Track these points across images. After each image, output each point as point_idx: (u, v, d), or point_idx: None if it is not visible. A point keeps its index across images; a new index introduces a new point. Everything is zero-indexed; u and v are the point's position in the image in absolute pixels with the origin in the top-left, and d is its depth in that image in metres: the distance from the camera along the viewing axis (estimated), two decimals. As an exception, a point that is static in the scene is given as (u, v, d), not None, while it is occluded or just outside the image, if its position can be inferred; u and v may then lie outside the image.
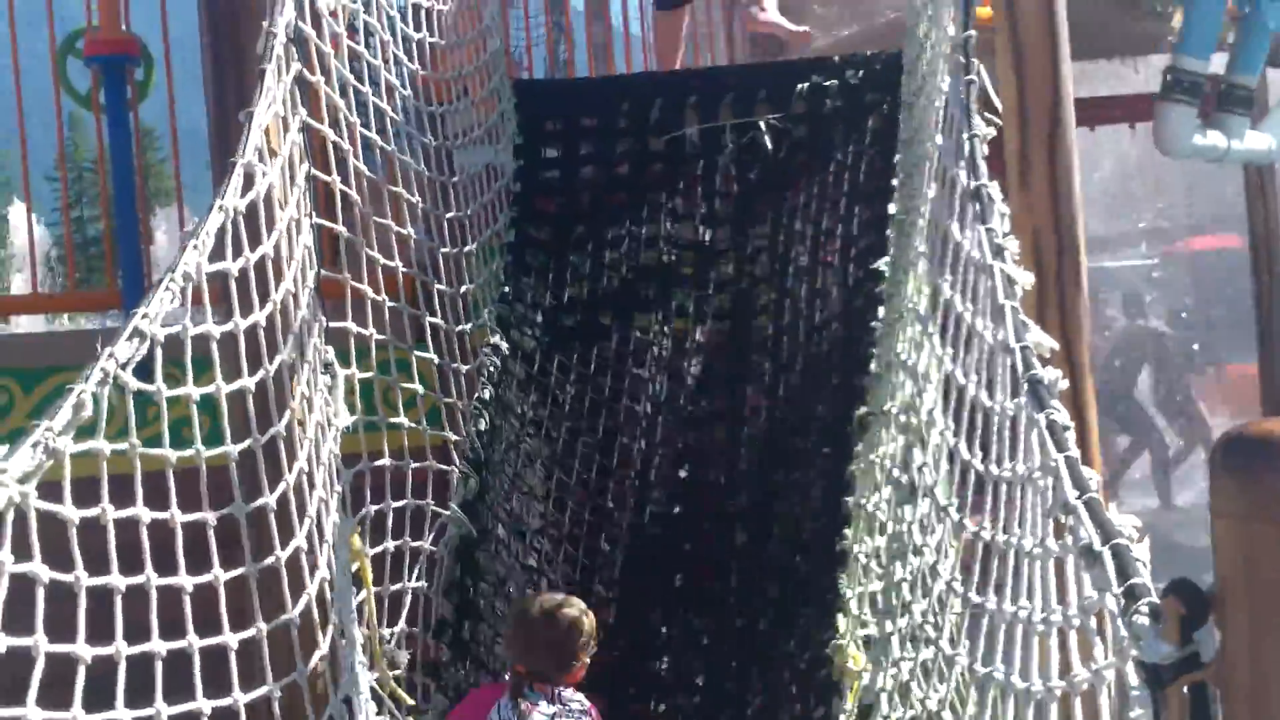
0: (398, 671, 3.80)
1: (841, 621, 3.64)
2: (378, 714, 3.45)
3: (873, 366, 4.25)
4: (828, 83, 5.50)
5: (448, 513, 4.20)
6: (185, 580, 2.70)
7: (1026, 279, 2.85)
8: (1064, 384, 2.53)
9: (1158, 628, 1.75)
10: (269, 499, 3.06)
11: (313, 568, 3.22)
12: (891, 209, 4.81)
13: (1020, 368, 2.58)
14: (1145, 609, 1.79)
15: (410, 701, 3.75)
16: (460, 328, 4.60)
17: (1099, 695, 2.05)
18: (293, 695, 3.03)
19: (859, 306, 4.67)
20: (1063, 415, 2.41)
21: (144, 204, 5.74)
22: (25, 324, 7.17)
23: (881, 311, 4.42)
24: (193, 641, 2.69)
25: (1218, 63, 7.20)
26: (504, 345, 4.78)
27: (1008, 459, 2.66)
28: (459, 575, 4.09)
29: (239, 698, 2.81)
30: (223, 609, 2.82)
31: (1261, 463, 1.69)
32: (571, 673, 3.57)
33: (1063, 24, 4.13)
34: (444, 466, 4.30)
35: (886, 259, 4.64)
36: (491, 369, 4.65)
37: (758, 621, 4.35)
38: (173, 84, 5.85)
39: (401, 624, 3.91)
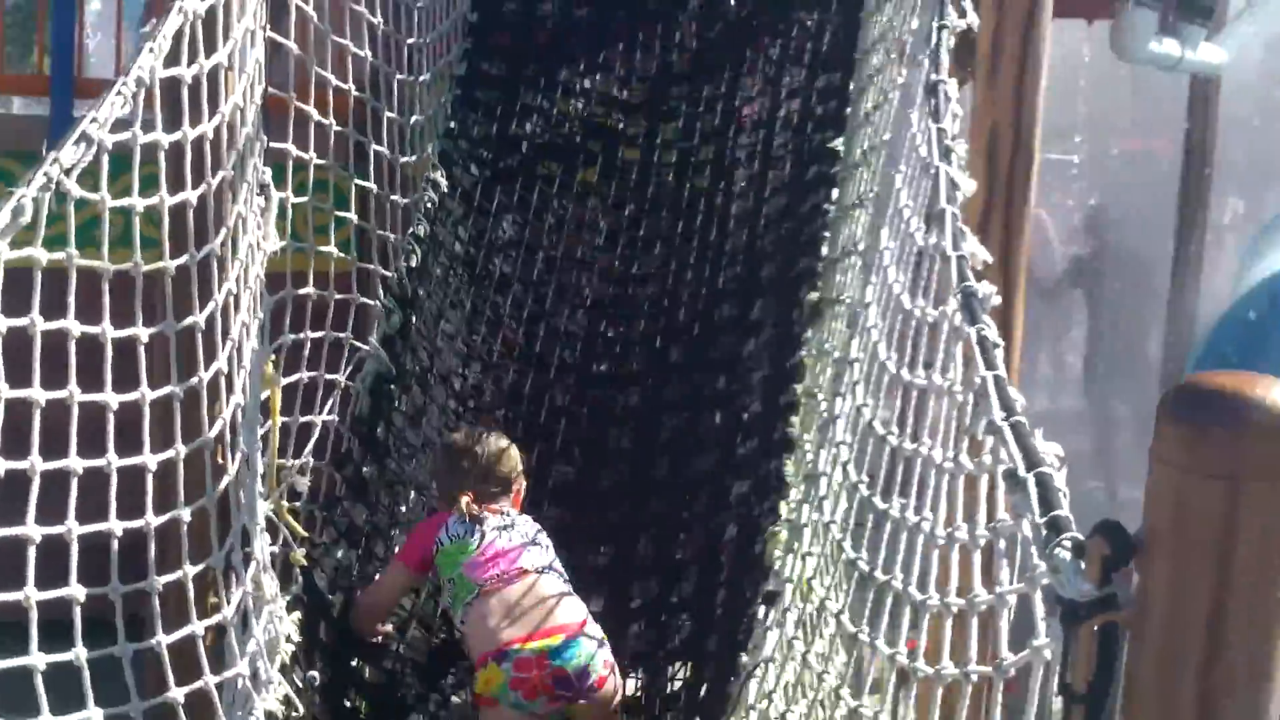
0: (295, 504, 3.77)
1: (783, 507, 3.65)
2: (272, 544, 3.43)
3: (824, 250, 4.23)
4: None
5: (366, 347, 4.12)
6: (110, 397, 2.66)
7: (969, 185, 2.82)
8: (997, 299, 2.52)
9: (1079, 564, 1.78)
10: (198, 318, 2.98)
11: (229, 392, 3.15)
12: (851, 85, 4.76)
13: (954, 277, 2.55)
14: (1068, 543, 1.81)
15: (303, 533, 3.73)
16: (404, 159, 4.48)
17: (999, 618, 2.09)
18: (200, 521, 3.01)
19: (810, 180, 4.63)
20: (993, 332, 2.39)
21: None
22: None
23: (835, 194, 4.40)
24: (111, 460, 2.65)
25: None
26: (443, 181, 4.66)
27: (923, 368, 2.66)
28: (369, 411, 4.03)
29: (151, 520, 2.78)
30: (145, 428, 2.78)
31: (1209, 416, 1.70)
32: (512, 495, 3.75)
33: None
34: (368, 300, 4.21)
35: (841, 138, 4.60)
36: (429, 204, 4.54)
37: (694, 493, 4.32)
38: None
39: (307, 455, 3.86)
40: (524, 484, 3.82)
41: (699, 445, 4.40)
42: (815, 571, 3.15)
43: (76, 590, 2.55)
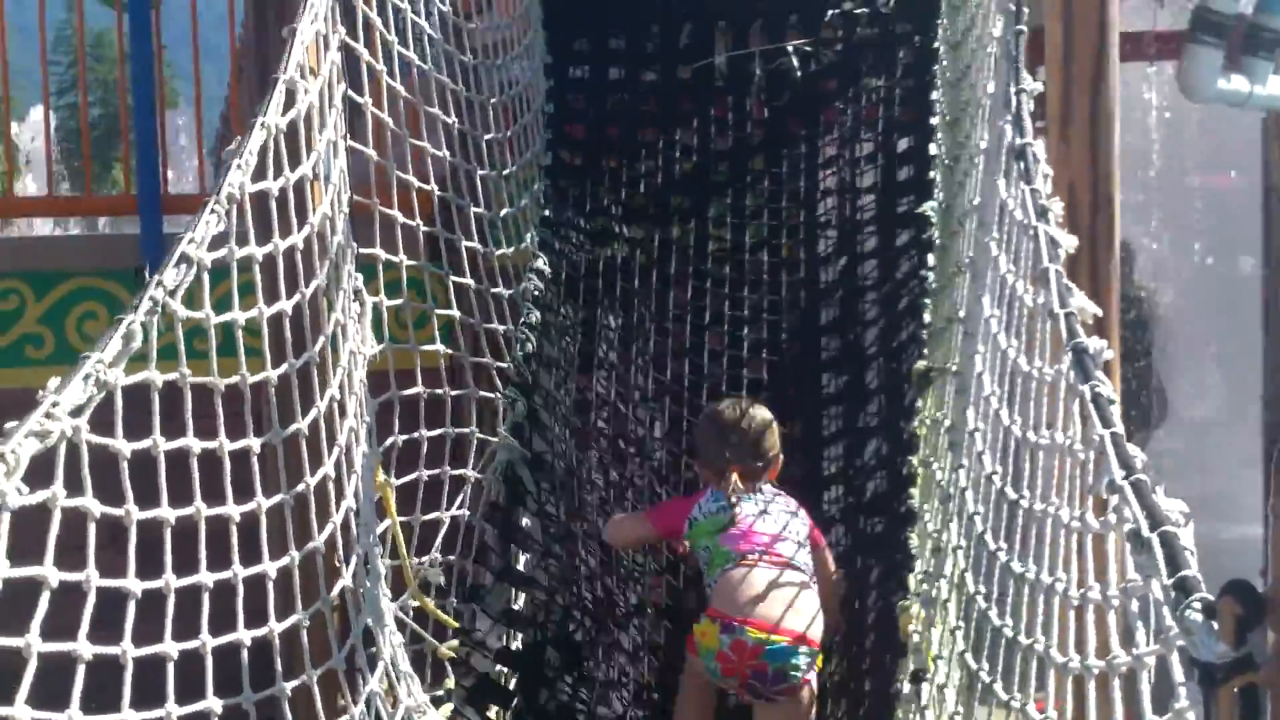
0: (429, 600, 3.82)
1: (911, 581, 3.63)
2: (403, 643, 3.47)
3: (926, 318, 4.22)
4: (858, 10, 5.45)
5: (494, 439, 4.17)
6: (233, 510, 2.71)
7: (1070, 242, 2.83)
8: (1109, 354, 2.52)
9: (1211, 626, 1.76)
10: (301, 425, 3.04)
11: (339, 497, 3.20)
12: (933, 149, 4.78)
13: (1064, 335, 2.56)
14: (1199, 605, 1.80)
15: (454, 624, 3.79)
16: (500, 251, 4.53)
17: (1139, 681, 2.07)
18: (317, 624, 3.04)
19: (901, 246, 4.64)
20: (1107, 387, 2.39)
21: (163, 108, 5.67)
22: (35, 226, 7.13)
23: (931, 259, 4.39)
24: (237, 572, 2.70)
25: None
26: (547, 269, 4.72)
27: (1044, 427, 2.66)
28: (507, 499, 4.09)
29: (274, 627, 2.83)
30: (264, 537, 2.84)
31: (1325, 465, 1.70)
32: (771, 468, 3.92)
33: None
34: (486, 393, 4.24)
35: (933, 203, 4.61)
36: (536, 292, 4.59)
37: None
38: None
39: (435, 552, 3.91)
40: (781, 460, 3.96)
41: (823, 524, 4.40)
42: (966, 643, 3.09)
43: (214, 703, 2.59)
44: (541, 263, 4.72)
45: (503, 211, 4.62)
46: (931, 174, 4.74)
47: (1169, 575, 1.90)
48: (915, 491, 3.88)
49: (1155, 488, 2.07)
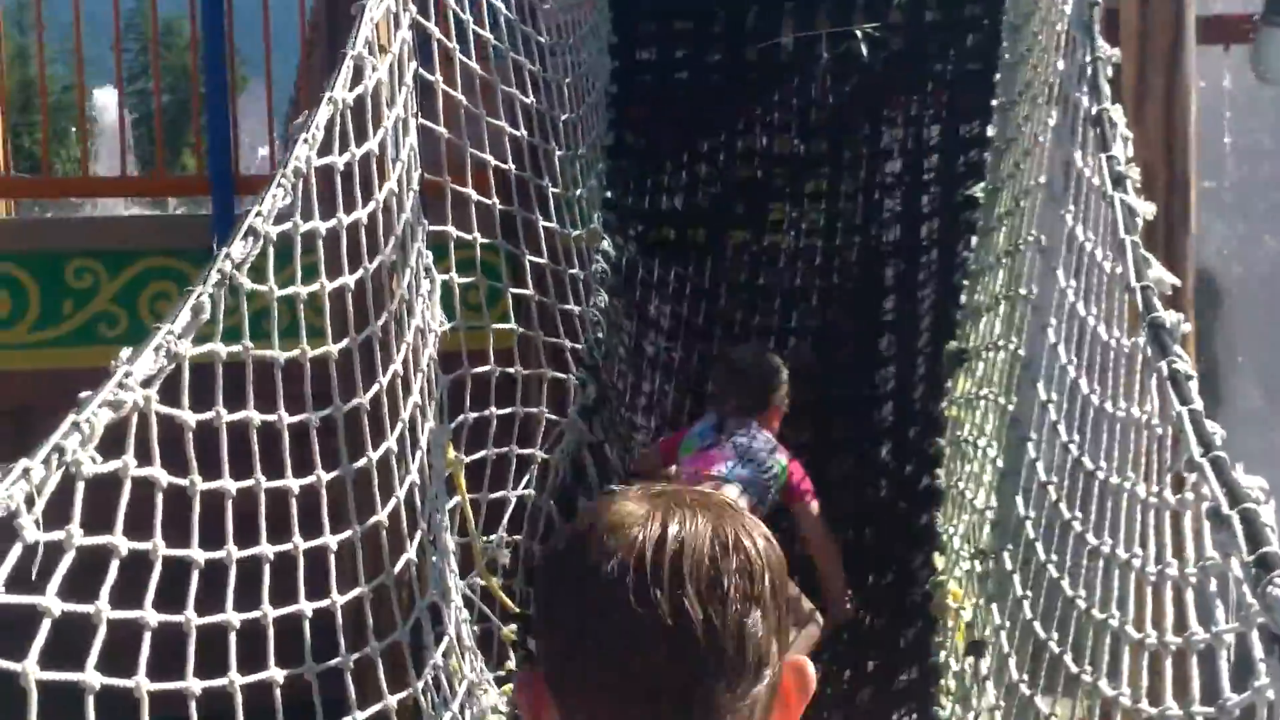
0: (496, 579, 3.82)
1: (939, 559, 3.62)
2: (469, 619, 3.48)
3: (962, 299, 4.19)
4: (926, -7, 5.42)
5: (564, 419, 4.17)
6: (292, 483, 2.73)
7: (1148, 209, 2.77)
8: (1187, 327, 2.46)
9: (1294, 602, 1.72)
10: (363, 400, 3.03)
11: (403, 473, 3.20)
12: (990, 131, 4.73)
13: (1141, 308, 2.51)
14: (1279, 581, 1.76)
15: (515, 608, 3.80)
16: (574, 232, 4.49)
17: (1218, 658, 2.03)
18: (380, 597, 3.05)
19: (957, 230, 4.61)
20: (1185, 363, 2.33)
21: (234, 90, 5.71)
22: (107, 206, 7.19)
23: (974, 240, 4.35)
24: (297, 543, 2.71)
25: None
26: (612, 251, 4.72)
27: (1122, 400, 2.61)
28: (572, 480, 4.11)
29: (336, 599, 2.84)
30: (324, 512, 2.84)
31: None
32: (768, 412, 4.05)
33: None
34: (558, 374, 4.21)
35: (982, 184, 4.57)
36: (602, 274, 4.61)
37: (855, 554, 4.31)
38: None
39: (502, 530, 3.89)
40: (786, 406, 4.06)
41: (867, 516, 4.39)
42: (1034, 613, 3.04)
43: (275, 673, 2.60)
44: (607, 244, 4.72)
45: (576, 192, 4.59)
46: (986, 156, 4.69)
47: (1250, 552, 1.86)
48: (941, 472, 3.85)
49: (1234, 465, 2.02)
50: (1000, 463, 3.39)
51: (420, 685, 3.05)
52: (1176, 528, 2.27)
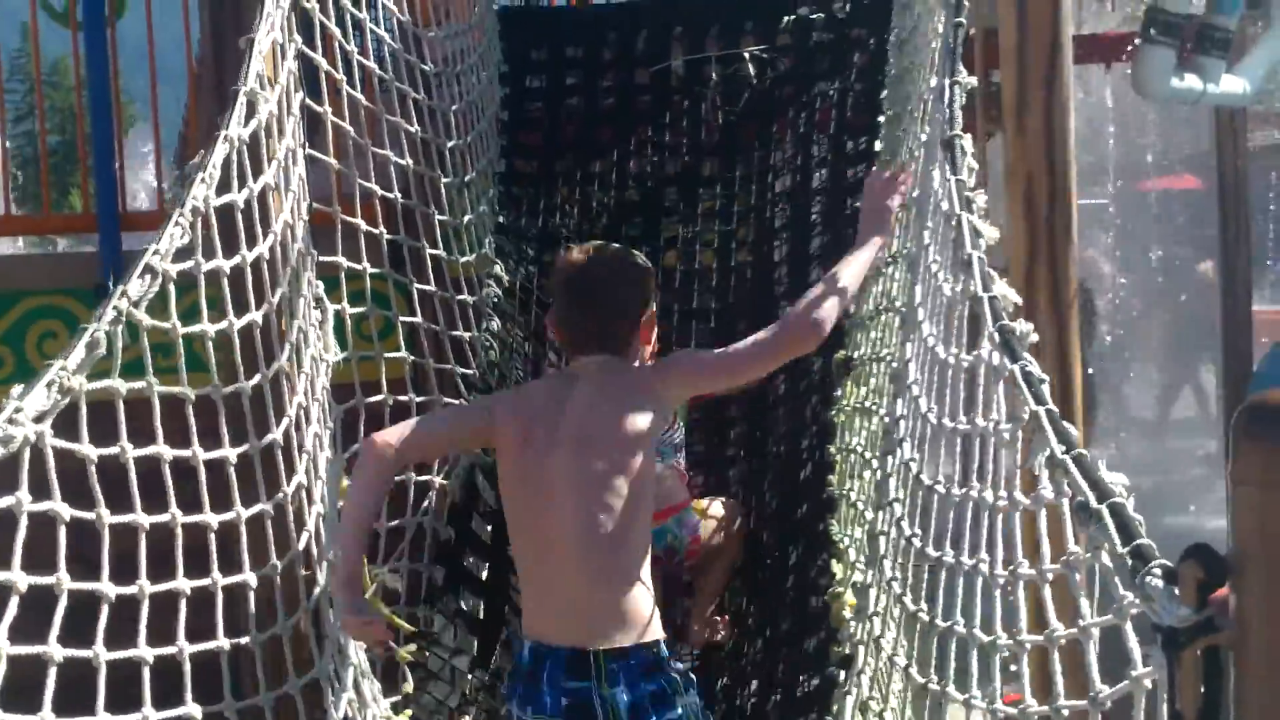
0: (392, 607, 3.80)
1: (837, 567, 3.67)
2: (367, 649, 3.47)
3: (851, 309, 4.27)
4: (814, 15, 5.50)
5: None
6: (210, 518, 2.71)
7: (991, 233, 2.84)
8: (1034, 337, 2.50)
9: (1173, 591, 1.78)
10: (275, 434, 3.04)
11: (310, 503, 3.21)
12: (877, 146, 4.81)
13: (988, 318, 2.56)
14: (1159, 571, 1.82)
15: (409, 628, 3.78)
16: (464, 258, 4.52)
17: (1085, 652, 2.08)
18: (298, 630, 3.05)
19: (843, 244, 4.68)
20: (1036, 366, 2.37)
21: (120, 127, 5.65)
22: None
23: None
24: (216, 579, 2.70)
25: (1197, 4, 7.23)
26: (504, 276, 4.75)
27: (962, 412, 2.67)
28: (465, 502, 4.11)
29: (255, 636, 2.85)
30: (245, 546, 2.84)
31: (1280, 431, 1.72)
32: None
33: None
34: (451, 400, 4.21)
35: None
36: (495, 299, 4.63)
37: (760, 564, 4.38)
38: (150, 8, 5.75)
39: (398, 557, 3.88)
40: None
41: (766, 520, 4.43)
42: (883, 629, 3.12)
43: (193, 709, 2.58)
44: (499, 269, 4.74)
45: (465, 219, 4.61)
46: (871, 170, 4.76)
47: (1123, 544, 1.91)
48: (834, 479, 3.90)
49: (1097, 462, 2.08)
50: (874, 473, 3.47)
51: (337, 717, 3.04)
52: (1030, 529, 2.31)
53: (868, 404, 3.89)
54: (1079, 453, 2.12)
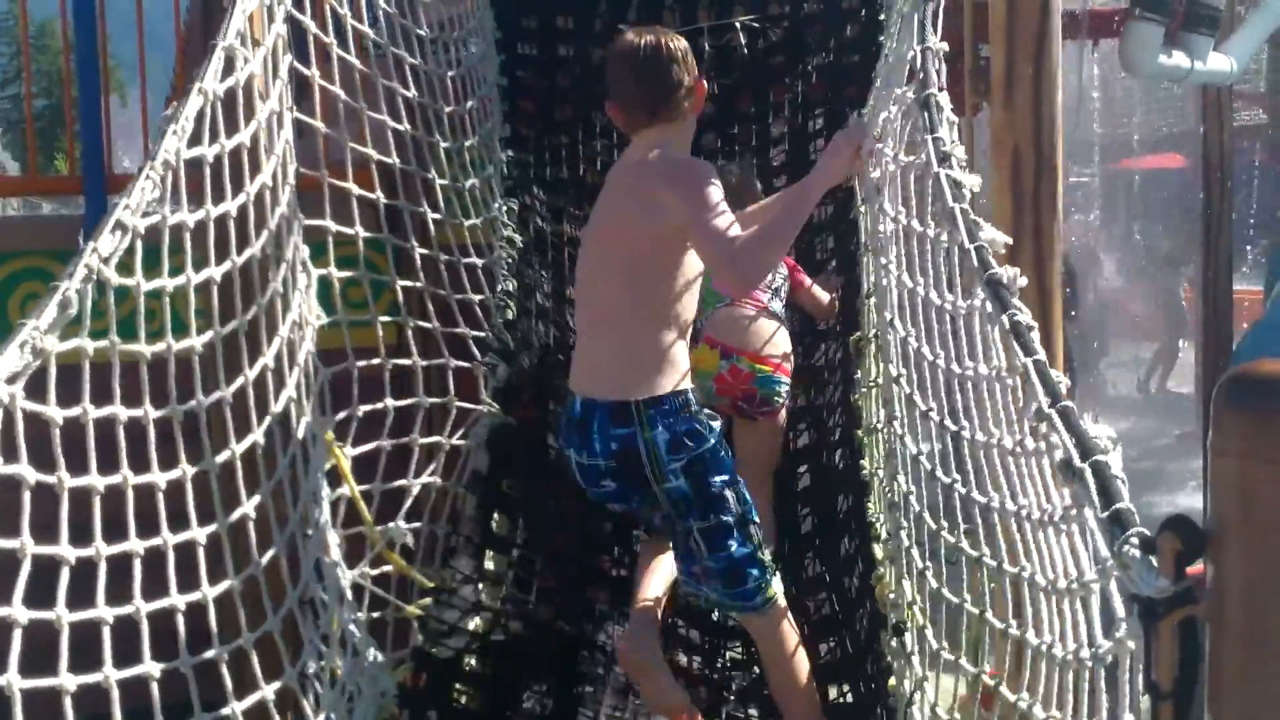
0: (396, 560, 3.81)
1: (878, 549, 3.64)
2: (356, 613, 3.47)
3: (862, 287, 4.26)
4: (805, -15, 5.48)
5: (478, 407, 4.18)
6: (159, 477, 2.67)
7: (973, 181, 2.84)
8: (1023, 281, 2.50)
9: (1150, 561, 1.78)
10: (225, 394, 2.98)
11: (271, 468, 3.15)
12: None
13: (977, 265, 2.56)
14: (1136, 540, 1.81)
15: (429, 583, 3.81)
16: (470, 221, 4.49)
17: (1089, 606, 2.08)
18: (252, 590, 3.00)
19: (845, 229, 4.67)
20: (1025, 315, 2.37)
21: (107, 88, 5.61)
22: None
23: (863, 235, 4.42)
24: (167, 539, 2.64)
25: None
26: (518, 238, 4.75)
27: (967, 359, 2.66)
28: (488, 466, 4.11)
29: (207, 592, 2.79)
30: (190, 506, 2.79)
31: (1264, 402, 1.71)
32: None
33: (1053, -65, 4.07)
34: (462, 363, 4.21)
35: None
36: (509, 260, 4.61)
37: (799, 554, 4.38)
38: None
39: (400, 519, 3.86)
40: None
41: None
42: (939, 580, 3.09)
43: (151, 667, 2.56)
44: (511, 231, 4.74)
45: (468, 183, 4.56)
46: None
47: (1103, 507, 1.91)
48: (865, 462, 3.90)
49: (1082, 414, 2.08)
50: (889, 446, 3.46)
51: (298, 674, 3.02)
52: (1041, 474, 2.31)
53: (875, 379, 3.91)
54: (1065, 405, 2.12)
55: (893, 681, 3.33)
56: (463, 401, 4.17)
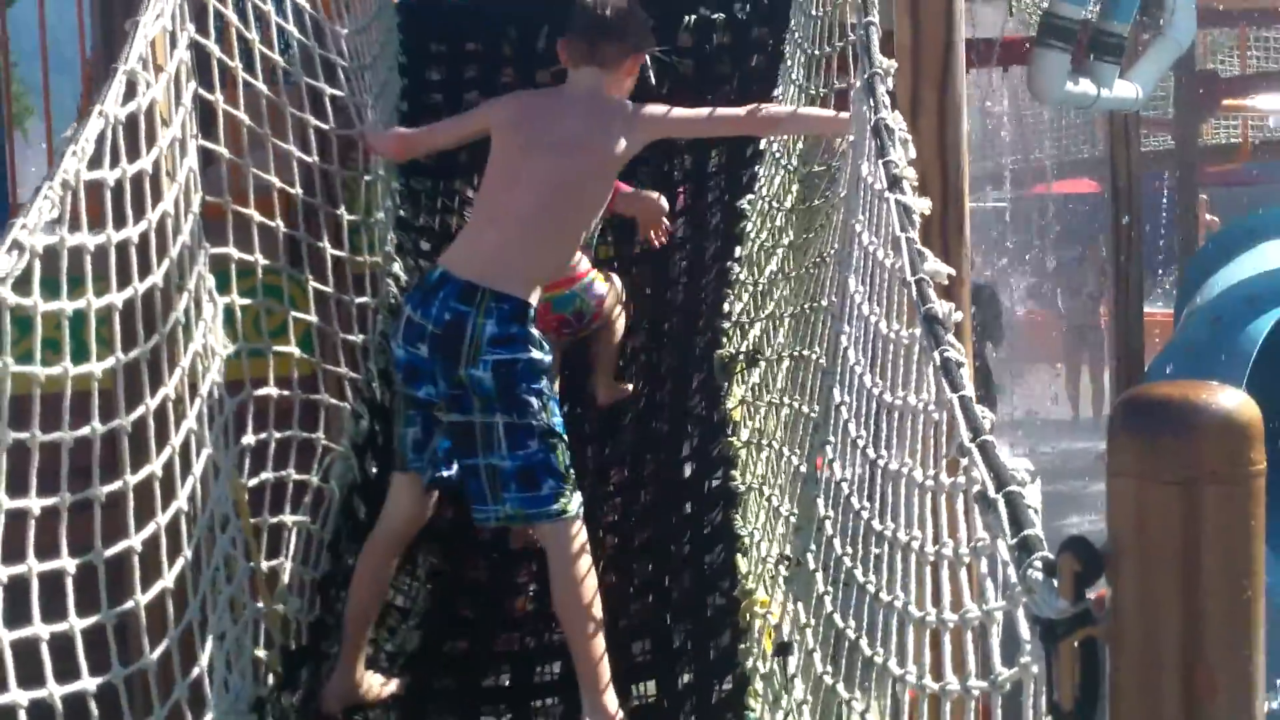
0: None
1: (742, 562, 3.64)
2: (261, 649, 3.41)
3: (725, 307, 4.28)
4: (714, 16, 5.49)
5: (338, 447, 4.05)
6: (33, 503, 2.58)
7: (922, 205, 2.85)
8: (958, 316, 2.53)
9: (1052, 583, 1.79)
10: (124, 422, 2.92)
11: (167, 498, 3.07)
12: (761, 144, 4.82)
13: (916, 300, 2.58)
14: (1039, 563, 1.82)
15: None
16: (366, 258, 4.40)
17: (989, 635, 2.09)
18: (132, 626, 2.93)
19: (730, 244, 4.69)
20: (956, 352, 2.40)
21: (10, 115, 5.52)
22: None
23: (738, 251, 4.45)
24: (32, 566, 2.57)
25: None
26: (402, 275, 4.61)
27: (901, 389, 2.67)
28: (341, 523, 3.98)
29: (74, 623, 2.70)
30: (61, 537, 2.71)
31: (1158, 425, 1.72)
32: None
33: (958, -38, 4.10)
34: (336, 401, 4.10)
35: (750, 196, 4.66)
36: (392, 300, 4.46)
37: (653, 566, 4.34)
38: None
39: (286, 558, 3.77)
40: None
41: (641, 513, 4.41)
42: (834, 606, 3.10)
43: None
44: (398, 267, 4.62)
45: (376, 216, 4.49)
46: (757, 168, 4.76)
47: (1013, 535, 1.92)
48: (736, 474, 3.89)
49: (1001, 449, 2.09)
50: (803, 468, 3.46)
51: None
52: (952, 510, 2.33)
53: (770, 399, 3.89)
54: (984, 440, 2.12)
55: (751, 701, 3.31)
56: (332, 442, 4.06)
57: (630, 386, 4.80)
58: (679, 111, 3.99)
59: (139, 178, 3.03)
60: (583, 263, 4.53)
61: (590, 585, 3.55)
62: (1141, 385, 1.80)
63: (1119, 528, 1.74)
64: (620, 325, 4.75)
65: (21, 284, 2.52)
